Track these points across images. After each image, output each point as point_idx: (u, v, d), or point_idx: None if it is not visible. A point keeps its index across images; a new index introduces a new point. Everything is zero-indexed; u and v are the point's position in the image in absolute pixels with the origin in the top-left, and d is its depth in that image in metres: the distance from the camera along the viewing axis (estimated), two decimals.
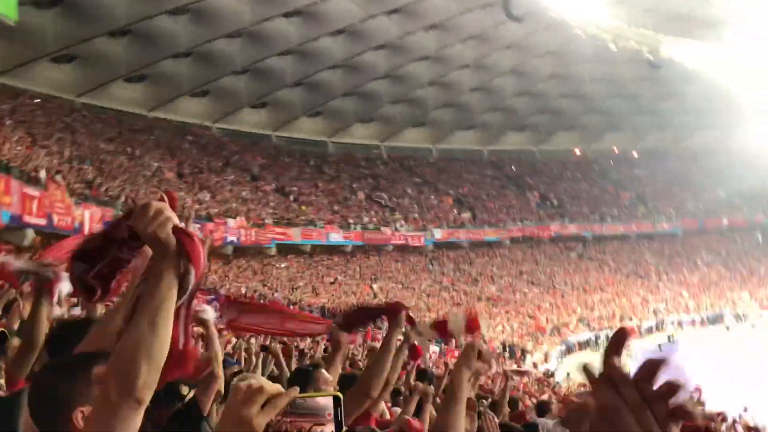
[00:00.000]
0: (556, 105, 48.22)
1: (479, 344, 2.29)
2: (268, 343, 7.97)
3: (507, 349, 29.23)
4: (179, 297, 1.39)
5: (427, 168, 46.89)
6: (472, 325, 3.30)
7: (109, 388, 1.32)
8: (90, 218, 21.32)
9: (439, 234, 40.27)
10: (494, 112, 47.54)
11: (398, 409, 4.95)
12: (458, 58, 40.99)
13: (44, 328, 3.24)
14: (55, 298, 3.36)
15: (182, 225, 1.38)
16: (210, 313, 3.78)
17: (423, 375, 6.76)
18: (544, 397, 14.24)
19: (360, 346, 13.58)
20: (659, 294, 40.56)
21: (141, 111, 35.69)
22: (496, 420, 3.85)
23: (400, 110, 44.75)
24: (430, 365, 13.41)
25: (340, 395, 1.43)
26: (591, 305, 38.07)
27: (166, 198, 1.42)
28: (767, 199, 46.80)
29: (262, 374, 5.73)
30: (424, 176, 45.86)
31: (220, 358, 3.61)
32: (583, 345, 33.86)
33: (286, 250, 33.27)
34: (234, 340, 9.97)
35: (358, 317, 3.78)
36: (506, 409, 6.78)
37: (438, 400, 4.91)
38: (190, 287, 1.39)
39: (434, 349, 19.96)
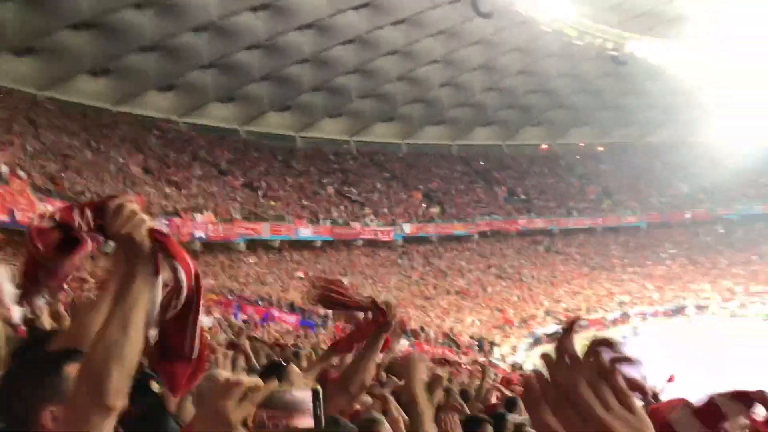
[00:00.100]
0: (523, 100, 48.64)
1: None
2: (239, 339, 7.93)
3: (478, 342, 29.52)
4: (177, 298, 1.37)
5: (397, 163, 46.94)
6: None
7: (80, 392, 1.29)
8: None
9: (408, 229, 40.38)
10: (463, 108, 47.77)
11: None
12: (427, 54, 41.08)
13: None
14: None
15: (156, 226, 1.37)
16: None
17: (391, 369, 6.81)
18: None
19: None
20: (624, 286, 41.23)
21: (106, 105, 35.13)
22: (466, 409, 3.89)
23: (369, 105, 44.68)
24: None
25: (319, 388, 1.42)
26: (558, 298, 38.60)
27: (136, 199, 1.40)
28: (729, 194, 47.82)
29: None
30: (393, 171, 45.91)
31: None
32: (551, 337, 34.27)
33: (255, 245, 33.08)
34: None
35: (337, 303, 3.61)
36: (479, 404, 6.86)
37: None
38: (184, 286, 1.37)
39: (404, 341, 20.06)
